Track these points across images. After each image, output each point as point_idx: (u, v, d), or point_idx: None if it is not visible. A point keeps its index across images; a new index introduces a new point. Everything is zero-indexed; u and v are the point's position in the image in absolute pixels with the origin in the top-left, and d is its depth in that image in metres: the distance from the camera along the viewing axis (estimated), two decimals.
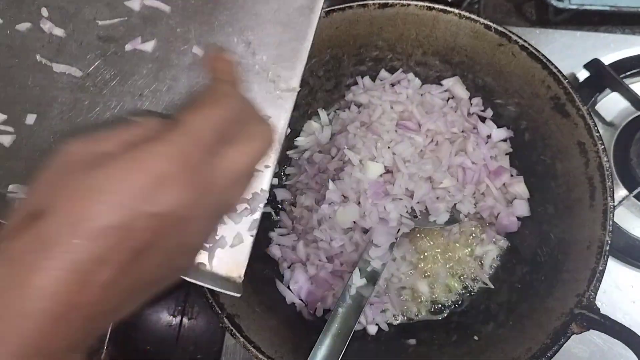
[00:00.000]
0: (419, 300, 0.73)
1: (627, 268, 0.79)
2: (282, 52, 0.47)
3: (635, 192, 0.77)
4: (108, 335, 0.70)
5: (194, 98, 0.40)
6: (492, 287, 0.73)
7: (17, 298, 0.29)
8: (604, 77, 0.82)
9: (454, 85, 0.76)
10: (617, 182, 0.80)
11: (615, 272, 0.79)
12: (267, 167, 0.46)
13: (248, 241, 0.46)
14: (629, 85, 0.81)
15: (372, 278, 0.65)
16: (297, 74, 0.47)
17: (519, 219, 0.73)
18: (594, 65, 0.83)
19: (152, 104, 0.46)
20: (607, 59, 0.85)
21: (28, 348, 0.29)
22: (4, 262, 0.31)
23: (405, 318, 0.72)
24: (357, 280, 0.64)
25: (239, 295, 0.46)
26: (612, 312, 0.77)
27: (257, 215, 0.46)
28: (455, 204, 0.70)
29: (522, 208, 0.72)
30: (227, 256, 0.46)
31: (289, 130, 0.47)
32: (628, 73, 0.84)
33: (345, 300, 0.64)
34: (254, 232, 0.46)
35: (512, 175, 0.74)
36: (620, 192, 0.80)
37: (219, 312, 0.59)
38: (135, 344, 0.82)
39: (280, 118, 0.47)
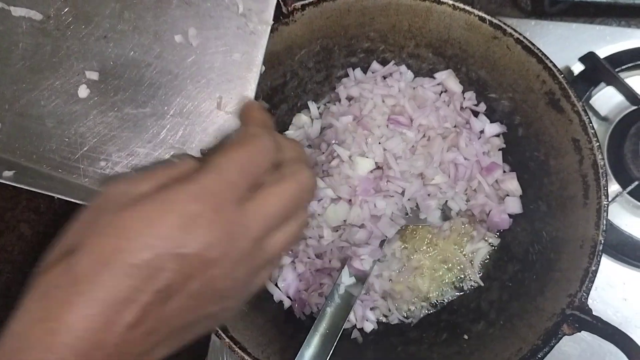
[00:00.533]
0: (409, 298, 0.72)
1: (619, 265, 0.78)
2: None
3: (629, 188, 0.76)
4: None
5: (225, 141, 0.40)
6: (482, 284, 0.72)
7: (45, 331, 0.30)
8: (599, 70, 0.81)
9: (447, 78, 0.74)
10: (610, 178, 0.79)
11: (607, 269, 0.78)
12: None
13: None
14: (625, 79, 0.80)
15: (362, 277, 0.64)
16: (269, 6, 0.45)
17: (510, 216, 0.71)
18: (589, 59, 0.82)
19: (117, 46, 0.44)
20: (603, 52, 0.83)
21: None
22: (36, 295, 0.32)
23: (395, 316, 0.71)
24: (346, 279, 0.63)
25: None
26: (604, 309, 0.77)
27: None
28: (446, 201, 0.69)
29: (514, 205, 0.71)
30: None
31: (263, 68, 0.46)
32: (623, 67, 0.82)
33: (334, 299, 0.63)
34: None
35: (504, 172, 0.73)
36: (614, 187, 0.79)
37: None
38: None
39: (254, 55, 0.45)
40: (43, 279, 0.32)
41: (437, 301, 0.73)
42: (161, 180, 0.35)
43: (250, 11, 0.45)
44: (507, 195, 0.72)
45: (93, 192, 0.44)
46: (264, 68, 0.46)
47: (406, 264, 0.73)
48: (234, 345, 0.57)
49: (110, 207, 0.34)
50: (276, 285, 0.70)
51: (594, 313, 0.57)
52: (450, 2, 0.67)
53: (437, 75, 0.75)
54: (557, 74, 0.64)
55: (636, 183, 0.76)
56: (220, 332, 0.57)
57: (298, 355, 0.57)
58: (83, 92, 0.45)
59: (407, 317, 0.72)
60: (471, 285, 0.73)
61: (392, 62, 0.76)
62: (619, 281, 0.78)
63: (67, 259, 0.32)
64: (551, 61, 0.65)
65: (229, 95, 0.45)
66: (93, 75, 0.45)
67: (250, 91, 0.45)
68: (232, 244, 0.35)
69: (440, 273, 0.73)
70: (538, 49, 0.65)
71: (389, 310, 0.71)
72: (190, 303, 0.34)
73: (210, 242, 0.33)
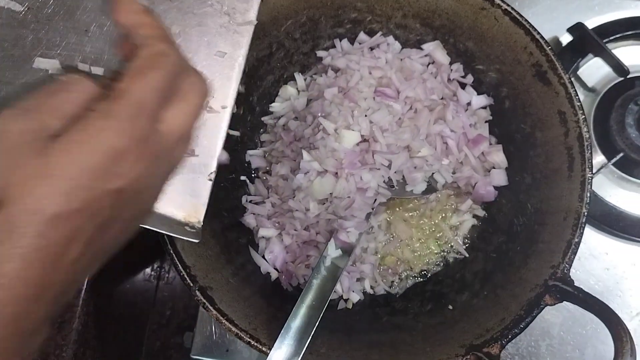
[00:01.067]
0: (395, 269, 0.73)
1: (602, 235, 0.80)
2: None
3: (614, 160, 0.77)
4: (80, 305, 0.69)
5: (130, 61, 0.37)
6: (467, 255, 0.73)
7: None
8: (587, 41, 0.81)
9: (435, 49, 0.73)
10: (596, 149, 0.80)
11: (590, 239, 0.80)
12: (224, 107, 0.45)
13: (207, 185, 0.46)
14: (612, 50, 0.79)
15: (348, 249, 0.65)
16: (253, 5, 0.45)
17: (496, 188, 0.72)
18: (577, 29, 0.82)
19: (99, 40, 0.43)
20: (591, 23, 0.83)
21: (5, 331, 0.31)
22: None
23: (382, 287, 0.72)
24: (332, 251, 0.64)
25: (197, 241, 0.47)
26: (586, 278, 0.78)
27: (214, 160, 0.46)
28: (432, 174, 0.69)
29: (500, 177, 0.71)
30: (186, 201, 0.46)
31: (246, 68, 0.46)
32: (611, 37, 0.82)
33: (320, 271, 0.63)
34: (212, 175, 0.47)
35: (490, 144, 0.73)
36: (599, 158, 0.79)
37: (191, 284, 0.58)
38: (110, 311, 0.81)
39: (237, 54, 0.45)
40: None
41: (422, 272, 0.74)
42: (66, 109, 0.34)
43: (234, 10, 0.44)
44: (493, 167, 0.72)
45: None
46: (246, 68, 0.46)
47: (392, 236, 0.73)
48: (221, 317, 0.57)
49: (24, 148, 0.32)
50: (263, 257, 0.71)
51: (576, 283, 0.58)
52: None
53: (424, 46, 0.74)
54: (545, 45, 0.64)
55: (621, 154, 0.76)
56: (207, 304, 0.57)
57: (284, 326, 0.58)
58: None
59: (392, 288, 0.73)
60: (456, 257, 0.73)
61: (380, 33, 0.75)
62: (601, 251, 0.79)
63: (2, 210, 0.31)
64: (539, 33, 0.64)
65: (211, 93, 0.44)
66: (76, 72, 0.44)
67: (233, 89, 0.45)
68: (154, 169, 0.37)
69: (426, 244, 0.74)
70: (526, 20, 0.65)
71: (375, 282, 0.72)
72: (123, 226, 0.37)
73: (138, 173, 0.35)
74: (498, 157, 0.72)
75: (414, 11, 0.72)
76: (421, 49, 0.74)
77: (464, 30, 0.71)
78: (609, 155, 0.78)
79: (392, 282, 0.73)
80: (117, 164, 0.33)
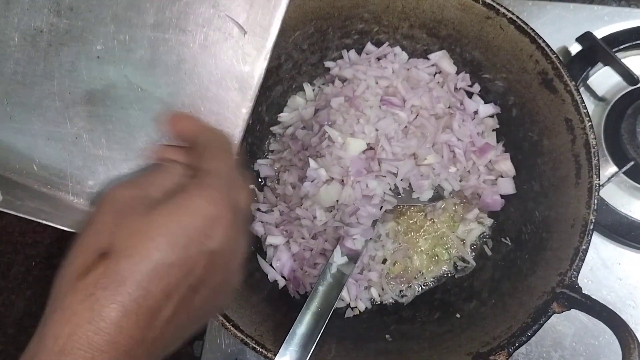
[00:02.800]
0: (403, 278, 0.73)
1: (614, 245, 0.79)
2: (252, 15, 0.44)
3: (624, 168, 0.76)
4: None
5: (206, 149, 0.42)
6: (474, 264, 0.73)
7: (95, 332, 0.32)
8: (596, 50, 0.81)
9: (441, 59, 0.74)
10: (606, 159, 0.79)
11: (602, 249, 0.79)
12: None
13: None
14: (622, 60, 0.79)
15: (354, 256, 0.65)
16: (268, 41, 0.44)
17: (503, 196, 0.72)
18: (586, 39, 0.82)
19: (109, 67, 0.44)
20: (600, 32, 0.83)
21: None
22: (79, 297, 0.33)
23: (389, 296, 0.72)
24: (338, 258, 0.64)
25: None
26: (598, 289, 0.77)
27: None
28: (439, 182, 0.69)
29: (507, 186, 0.71)
30: None
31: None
32: (621, 47, 0.82)
33: (326, 278, 0.63)
34: None
35: (498, 153, 0.73)
36: (610, 168, 0.79)
37: None
38: None
39: (248, 87, 0.45)
40: (82, 282, 0.33)
41: (430, 281, 0.73)
42: (165, 185, 0.40)
43: (248, 44, 0.44)
44: (501, 175, 0.72)
45: (81, 213, 0.45)
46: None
47: (400, 245, 0.73)
48: (227, 323, 0.58)
49: (130, 211, 0.37)
50: (271, 265, 0.71)
51: (587, 293, 0.57)
52: None
53: (431, 56, 0.75)
54: (550, 53, 0.64)
55: (632, 163, 0.76)
56: None
57: (290, 332, 0.58)
58: (73, 111, 0.45)
59: (400, 297, 0.73)
60: (464, 265, 0.73)
61: (387, 43, 0.76)
62: (614, 261, 0.78)
63: (104, 262, 0.34)
64: (544, 40, 0.65)
65: (220, 126, 0.45)
66: (83, 95, 0.45)
67: (242, 121, 0.45)
68: (239, 235, 0.40)
69: (434, 253, 0.74)
70: (531, 28, 0.65)
71: (383, 290, 0.72)
72: (210, 296, 0.39)
73: (229, 237, 0.38)
74: (506, 165, 0.72)
75: (420, 22, 0.73)
76: (428, 58, 0.75)
77: (470, 39, 0.71)
78: (620, 165, 0.77)
79: (400, 290, 0.73)
80: (212, 228, 0.37)
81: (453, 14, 0.69)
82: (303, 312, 0.60)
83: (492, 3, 0.66)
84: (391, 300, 0.72)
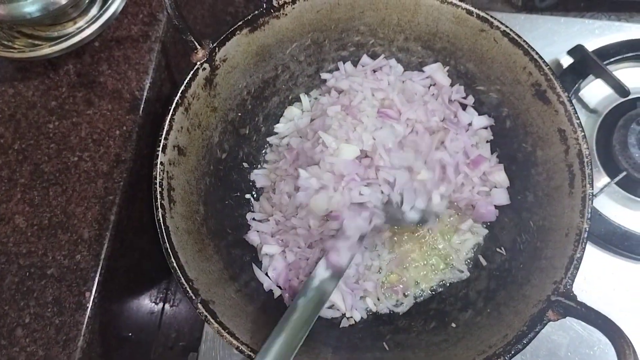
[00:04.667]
0: (399, 288, 0.73)
1: (608, 255, 0.79)
2: None
3: (616, 179, 0.77)
4: (85, 323, 0.69)
5: None
6: (469, 274, 0.73)
7: None
8: (587, 63, 0.82)
9: (436, 71, 0.75)
10: (599, 170, 0.80)
11: (596, 259, 0.79)
12: None
13: None
14: (613, 72, 0.81)
15: (337, 272, 0.64)
16: None
17: (497, 207, 0.72)
18: (577, 52, 0.83)
19: None
20: (592, 45, 0.85)
21: None
22: None
23: (385, 305, 0.72)
24: (322, 271, 0.63)
25: None
26: (593, 299, 0.77)
27: None
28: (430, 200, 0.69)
29: (501, 197, 0.72)
30: None
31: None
32: (612, 59, 0.83)
33: (306, 292, 0.62)
34: None
35: (492, 164, 0.74)
36: (602, 179, 0.80)
37: (193, 297, 0.58)
38: (115, 331, 0.81)
39: None
40: None
41: (426, 291, 0.74)
42: None
43: None
44: (495, 186, 0.73)
45: None
46: None
47: (396, 254, 0.74)
48: (222, 331, 0.58)
49: None
50: (266, 274, 0.71)
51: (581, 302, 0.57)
52: None
53: (426, 68, 0.76)
54: (543, 65, 0.65)
55: (624, 174, 0.77)
56: (209, 317, 0.58)
57: (265, 345, 0.56)
58: None
59: (396, 306, 0.73)
60: (459, 275, 0.73)
61: (382, 55, 0.77)
62: (607, 271, 0.79)
63: None
64: (537, 53, 0.66)
65: None
66: None
67: None
68: None
69: (429, 263, 0.74)
70: (524, 41, 0.66)
71: (378, 299, 0.72)
72: None
73: None
74: (500, 176, 0.72)
75: (415, 34, 0.74)
76: (422, 71, 0.76)
77: (464, 52, 0.72)
78: (612, 175, 0.78)
79: (396, 300, 0.73)
80: None
81: (448, 26, 0.71)
82: (279, 326, 0.58)
83: (486, 16, 0.67)
84: (387, 310, 0.72)
